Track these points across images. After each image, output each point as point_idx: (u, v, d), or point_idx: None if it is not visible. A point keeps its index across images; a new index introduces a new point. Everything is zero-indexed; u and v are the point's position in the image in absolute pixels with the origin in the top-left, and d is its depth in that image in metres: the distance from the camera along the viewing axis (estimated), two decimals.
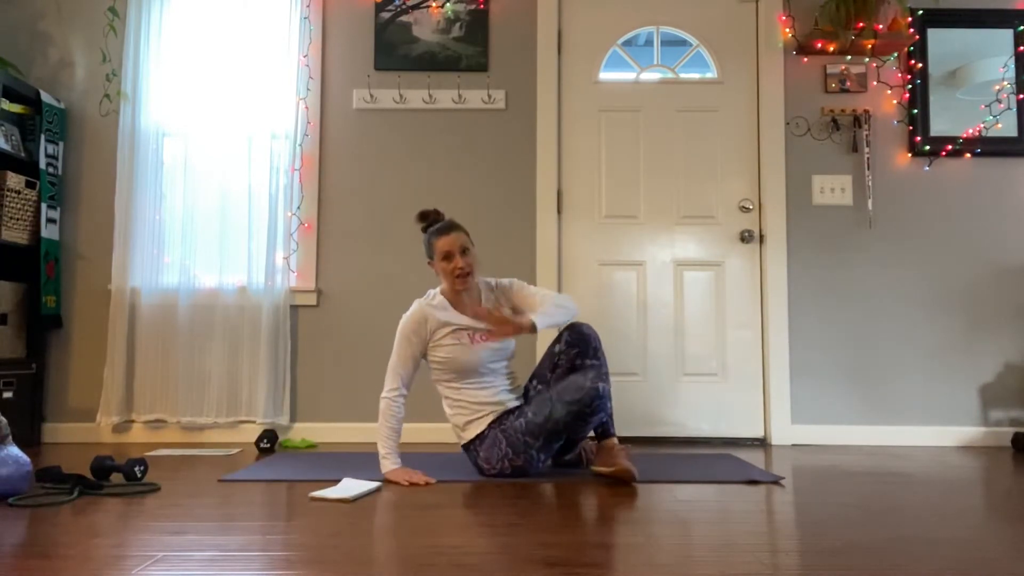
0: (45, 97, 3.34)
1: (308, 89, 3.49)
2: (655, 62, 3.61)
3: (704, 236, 3.52)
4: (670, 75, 3.59)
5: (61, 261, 3.45)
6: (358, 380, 3.41)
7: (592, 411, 2.35)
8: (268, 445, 3.12)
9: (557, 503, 2.09)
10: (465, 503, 2.08)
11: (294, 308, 3.45)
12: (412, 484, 2.35)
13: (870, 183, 3.48)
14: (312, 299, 3.44)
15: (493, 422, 2.49)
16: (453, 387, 2.54)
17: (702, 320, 3.49)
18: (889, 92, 3.52)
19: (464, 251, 2.49)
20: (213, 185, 3.46)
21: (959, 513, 1.99)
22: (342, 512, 1.96)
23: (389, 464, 2.42)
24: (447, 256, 2.49)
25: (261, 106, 3.46)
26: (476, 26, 3.53)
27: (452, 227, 2.51)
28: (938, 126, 3.49)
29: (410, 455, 2.93)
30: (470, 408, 2.51)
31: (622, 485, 2.36)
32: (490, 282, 2.66)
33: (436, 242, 2.51)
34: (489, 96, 3.51)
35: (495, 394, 2.52)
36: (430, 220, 2.59)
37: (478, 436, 2.49)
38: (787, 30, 3.51)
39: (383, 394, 2.48)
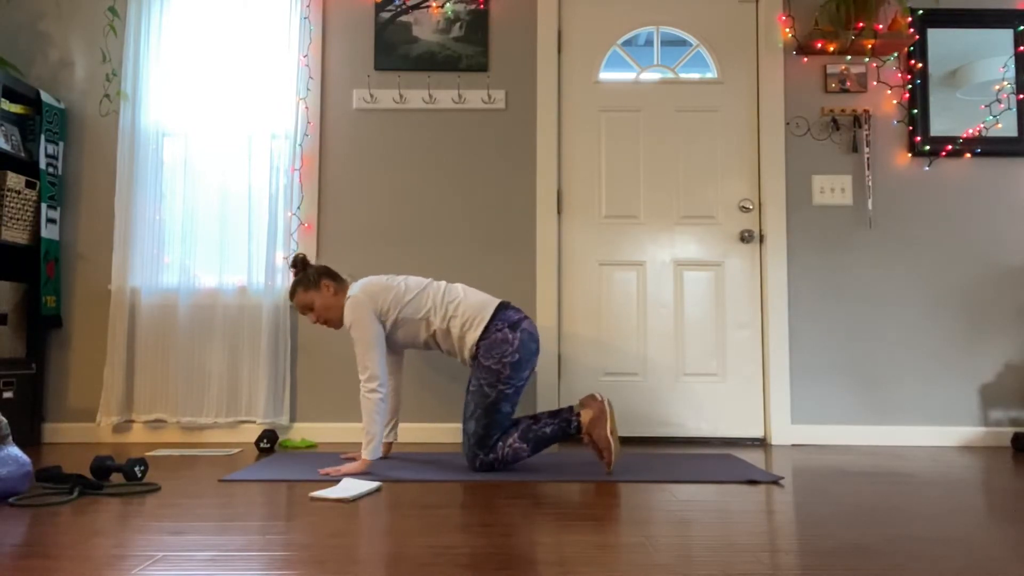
0: (45, 97, 3.34)
1: (308, 89, 3.49)
2: (655, 62, 3.60)
3: (704, 236, 3.52)
4: (670, 75, 3.59)
5: (61, 261, 3.45)
6: (358, 380, 3.41)
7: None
8: (268, 445, 3.12)
9: (556, 503, 2.09)
10: (465, 503, 2.08)
11: (294, 308, 3.45)
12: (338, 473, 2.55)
13: (870, 183, 3.48)
14: None
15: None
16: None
17: (702, 320, 3.49)
18: (889, 92, 3.52)
19: (307, 311, 2.74)
20: (213, 185, 3.46)
21: (959, 513, 1.99)
22: (342, 512, 1.96)
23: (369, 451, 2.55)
24: None
25: (261, 106, 3.46)
26: (476, 26, 3.53)
27: (291, 293, 2.76)
28: (938, 126, 3.49)
29: (409, 454, 2.93)
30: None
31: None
32: None
33: None
34: (489, 96, 3.51)
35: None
36: (295, 272, 2.79)
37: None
38: (787, 30, 3.51)
39: None
